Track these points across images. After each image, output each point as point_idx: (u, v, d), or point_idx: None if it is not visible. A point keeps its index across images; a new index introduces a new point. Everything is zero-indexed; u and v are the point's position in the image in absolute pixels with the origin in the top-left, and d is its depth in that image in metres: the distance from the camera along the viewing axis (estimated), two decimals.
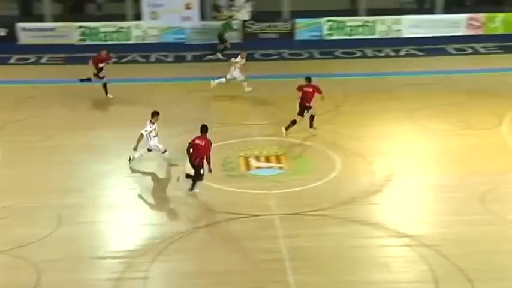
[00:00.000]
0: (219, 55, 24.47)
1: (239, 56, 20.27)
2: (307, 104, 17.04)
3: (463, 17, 26.69)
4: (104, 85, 19.90)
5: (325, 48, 25.47)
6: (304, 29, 26.45)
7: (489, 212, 13.25)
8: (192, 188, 14.23)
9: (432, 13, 27.30)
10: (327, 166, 15.48)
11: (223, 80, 20.18)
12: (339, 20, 26.67)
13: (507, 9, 27.17)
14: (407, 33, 26.52)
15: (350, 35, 26.53)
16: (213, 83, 20.22)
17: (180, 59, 24.58)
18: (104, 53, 20.02)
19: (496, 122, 17.81)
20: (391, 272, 11.64)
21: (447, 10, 27.30)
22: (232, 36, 25.55)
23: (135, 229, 13.08)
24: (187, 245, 12.46)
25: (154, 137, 15.23)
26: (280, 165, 15.74)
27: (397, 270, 11.67)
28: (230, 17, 26.08)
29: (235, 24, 25.95)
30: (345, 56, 24.87)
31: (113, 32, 26.12)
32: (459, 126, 17.59)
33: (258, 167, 15.72)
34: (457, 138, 17.02)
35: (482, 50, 25.08)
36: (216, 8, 27.27)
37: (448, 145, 16.60)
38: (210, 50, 24.78)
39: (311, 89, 17.10)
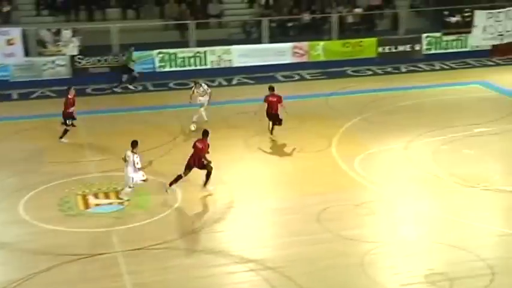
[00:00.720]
0: (130, 86, 24.31)
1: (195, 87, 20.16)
2: (273, 112, 18.75)
3: (288, 45, 28.07)
4: None
5: (159, 80, 25.54)
6: (136, 62, 26.31)
7: (325, 230, 13.88)
8: (205, 184, 15.32)
9: (259, 43, 28.42)
10: (169, 198, 15.40)
11: (201, 112, 19.89)
12: (171, 51, 26.91)
13: (326, 38, 29.03)
14: (237, 63, 27.38)
15: (182, 66, 26.83)
16: (192, 127, 19.74)
17: (4, 98, 23.38)
18: None
19: (326, 143, 18.81)
20: None
21: (273, 40, 28.56)
22: (61, 73, 24.86)
23: None
24: None
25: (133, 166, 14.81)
26: (120, 200, 15.40)
27: None
28: (131, 46, 25.47)
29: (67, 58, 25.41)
30: (179, 87, 25.04)
31: None
32: (293, 150, 18.38)
33: (97, 204, 15.28)
34: (292, 161, 17.75)
35: (307, 76, 26.47)
36: (41, 43, 26.28)
37: (284, 169, 17.24)
38: (115, 82, 24.35)
39: (275, 99, 18.87)
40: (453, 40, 29.28)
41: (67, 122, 18.91)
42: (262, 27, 28.72)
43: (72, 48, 26.28)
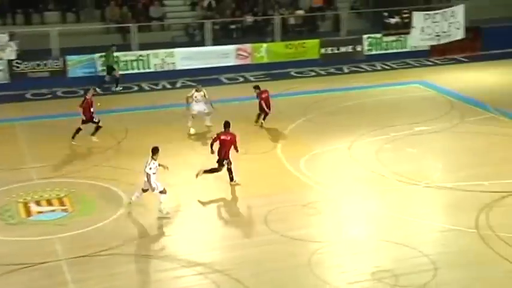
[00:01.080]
0: (116, 88, 24.27)
1: (194, 90, 19.85)
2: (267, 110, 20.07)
3: (231, 48, 28.06)
4: None
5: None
6: (77, 66, 25.87)
7: (272, 232, 13.93)
8: (232, 179, 15.96)
9: (203, 45, 28.33)
10: (113, 203, 15.18)
11: (191, 117, 19.71)
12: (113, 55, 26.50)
13: (269, 40, 29.17)
14: (180, 66, 27.16)
15: (125, 70, 26.48)
16: (191, 131, 19.67)
17: None
18: None
19: (271, 145, 18.89)
20: None
21: (216, 42, 28.51)
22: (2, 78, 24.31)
23: None
24: None
25: (154, 174, 14.26)
26: (63, 207, 15.08)
27: None
28: (113, 45, 25.23)
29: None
30: (122, 91, 24.74)
31: None
32: (241, 152, 18.35)
33: (40, 212, 14.91)
34: (237, 163, 17.73)
35: (251, 78, 26.53)
36: None
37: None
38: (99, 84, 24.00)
39: (266, 95, 20.20)
40: (393, 41, 29.84)
41: (95, 120, 18.76)
42: (205, 30, 28.63)
43: (10, 52, 25.54)
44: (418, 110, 21.95)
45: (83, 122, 18.74)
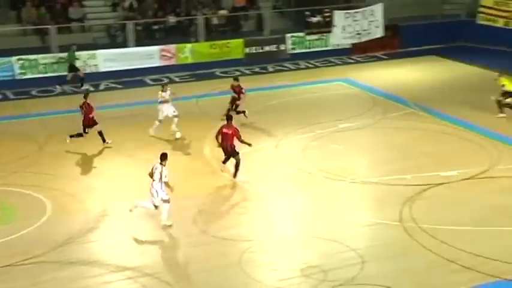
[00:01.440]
0: (82, 88, 23.89)
1: (168, 90, 19.29)
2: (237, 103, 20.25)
3: (155, 49, 27.77)
4: None
5: (20, 88, 24.39)
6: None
7: (202, 232, 13.88)
8: (235, 175, 16.05)
9: (125, 46, 27.89)
10: (36, 210, 14.73)
11: (157, 123, 19.10)
12: (31, 58, 25.74)
13: (193, 40, 29.05)
14: (103, 68, 26.69)
15: (44, 73, 25.75)
16: (151, 130, 19.06)
17: None
18: None
19: (199, 145, 18.81)
20: None
21: (139, 43, 28.15)
22: None
23: None
24: None
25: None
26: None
27: None
28: (73, 44, 24.82)
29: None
30: (43, 94, 24.09)
31: None
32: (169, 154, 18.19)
33: None
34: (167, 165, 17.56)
35: (177, 79, 26.36)
36: None
37: None
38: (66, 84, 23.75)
39: (238, 89, 20.32)
40: (316, 39, 30.32)
41: (86, 130, 18.35)
42: (127, 31, 28.21)
43: None
44: (342, 107, 22.38)
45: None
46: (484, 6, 29.24)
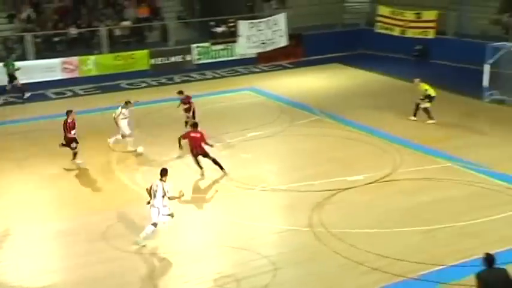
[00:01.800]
0: (24, 97, 23.73)
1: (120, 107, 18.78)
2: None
3: (56, 61, 27.04)
4: None
5: None
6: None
7: (112, 248, 13.58)
8: (222, 168, 16.99)
9: (25, 59, 26.96)
10: None
11: (119, 137, 18.58)
12: None
13: (97, 52, 28.49)
14: (1, 82, 25.64)
15: None
16: (138, 149, 18.52)
17: None
18: None
19: (106, 159, 18.42)
20: None
21: (39, 56, 27.30)
22: None
23: None
24: None
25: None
26: None
27: None
28: (12, 53, 24.37)
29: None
30: None
31: None
32: (72, 169, 17.72)
33: None
34: (71, 180, 17.13)
35: (81, 92, 25.78)
36: None
37: (63, 188, 16.61)
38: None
39: (187, 100, 20.59)
40: (221, 49, 30.49)
41: (72, 145, 17.56)
42: (25, 43, 27.30)
43: None
44: (249, 116, 22.58)
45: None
46: (382, 16, 30.47)
